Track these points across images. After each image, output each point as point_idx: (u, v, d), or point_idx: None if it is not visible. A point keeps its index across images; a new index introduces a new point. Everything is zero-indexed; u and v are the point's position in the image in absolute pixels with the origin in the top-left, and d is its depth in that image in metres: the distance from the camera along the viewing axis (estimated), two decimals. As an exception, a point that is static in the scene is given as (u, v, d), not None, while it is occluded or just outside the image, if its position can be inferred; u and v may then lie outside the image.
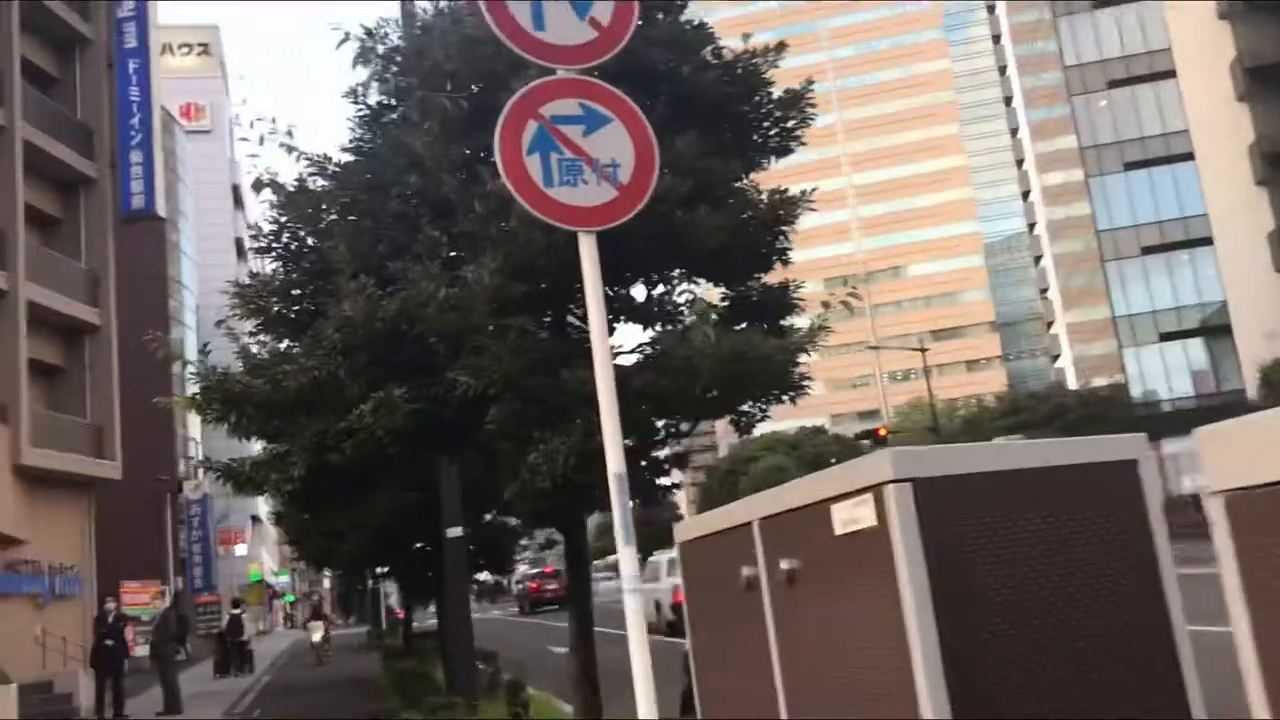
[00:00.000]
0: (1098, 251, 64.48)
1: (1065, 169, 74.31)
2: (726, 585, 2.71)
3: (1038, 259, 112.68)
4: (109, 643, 17.18)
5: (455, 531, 12.02)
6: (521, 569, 51.96)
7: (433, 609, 30.10)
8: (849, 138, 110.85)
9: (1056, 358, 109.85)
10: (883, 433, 56.00)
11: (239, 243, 79.22)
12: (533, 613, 42.85)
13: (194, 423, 60.15)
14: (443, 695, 12.50)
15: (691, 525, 3.19)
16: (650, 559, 27.63)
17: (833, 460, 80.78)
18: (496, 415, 5.38)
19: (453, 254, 5.94)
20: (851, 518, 2.07)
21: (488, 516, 13.94)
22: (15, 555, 20.76)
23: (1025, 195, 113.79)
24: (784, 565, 2.36)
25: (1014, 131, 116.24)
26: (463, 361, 5.36)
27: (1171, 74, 54.07)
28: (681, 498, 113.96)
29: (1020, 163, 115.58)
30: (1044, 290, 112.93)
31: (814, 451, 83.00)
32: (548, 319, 6.06)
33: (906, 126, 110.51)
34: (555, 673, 12.44)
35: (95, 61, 25.28)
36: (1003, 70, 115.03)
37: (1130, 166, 56.42)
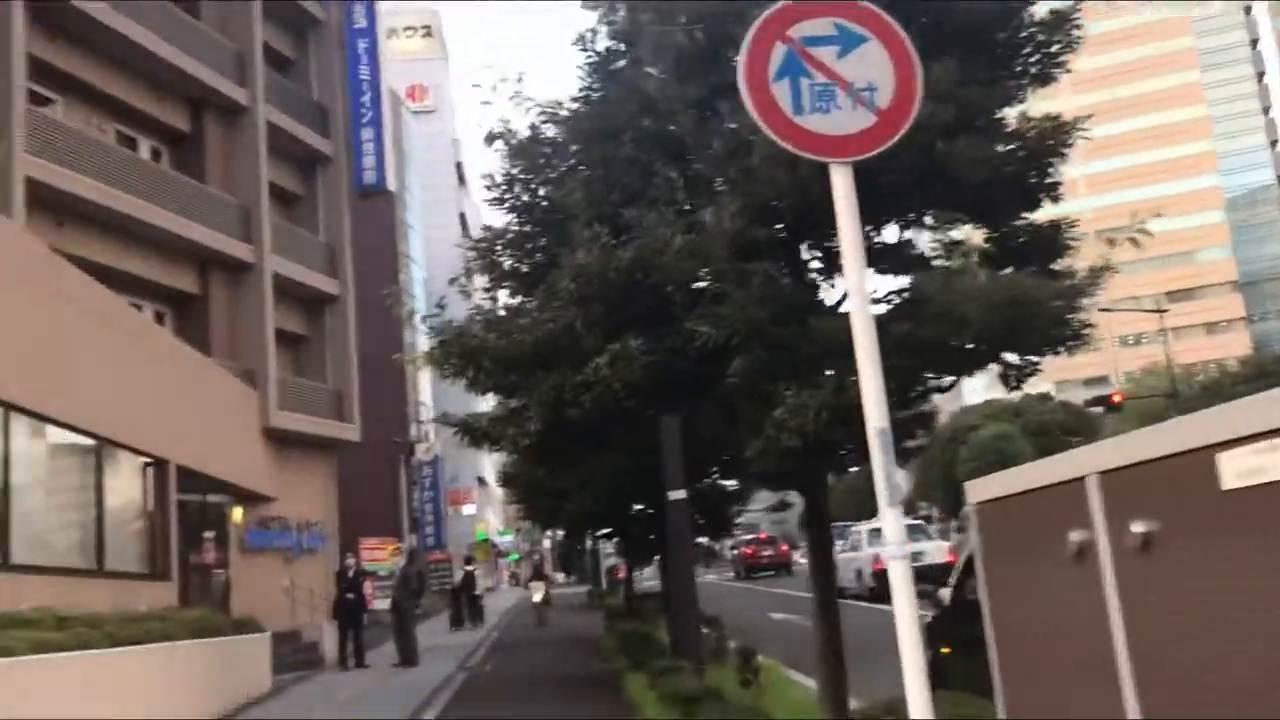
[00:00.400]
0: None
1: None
2: (1043, 552, 2.28)
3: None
4: (349, 596, 18.07)
5: (678, 494, 11.84)
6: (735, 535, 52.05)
7: (648, 571, 30.34)
8: (1078, 89, 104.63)
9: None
10: (1117, 399, 52.75)
11: (463, 218, 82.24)
12: (748, 578, 42.76)
13: (425, 388, 63.03)
14: (668, 658, 12.41)
15: (991, 483, 2.76)
16: (851, 528, 28.47)
17: (1056, 432, 76.94)
18: (739, 368, 5.06)
19: (689, 198, 5.64)
20: (1254, 467, 1.62)
21: (709, 479, 13.75)
22: (266, 512, 22.14)
23: (1274, 144, 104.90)
24: (1137, 529, 1.92)
25: (1260, 76, 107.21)
26: (702, 310, 5.06)
27: None
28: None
29: (1267, 110, 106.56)
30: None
31: (1038, 419, 79.45)
32: (788, 265, 5.68)
33: (1140, 76, 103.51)
34: (781, 640, 12.15)
35: (327, 43, 26.50)
36: (1248, 10, 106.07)
37: None
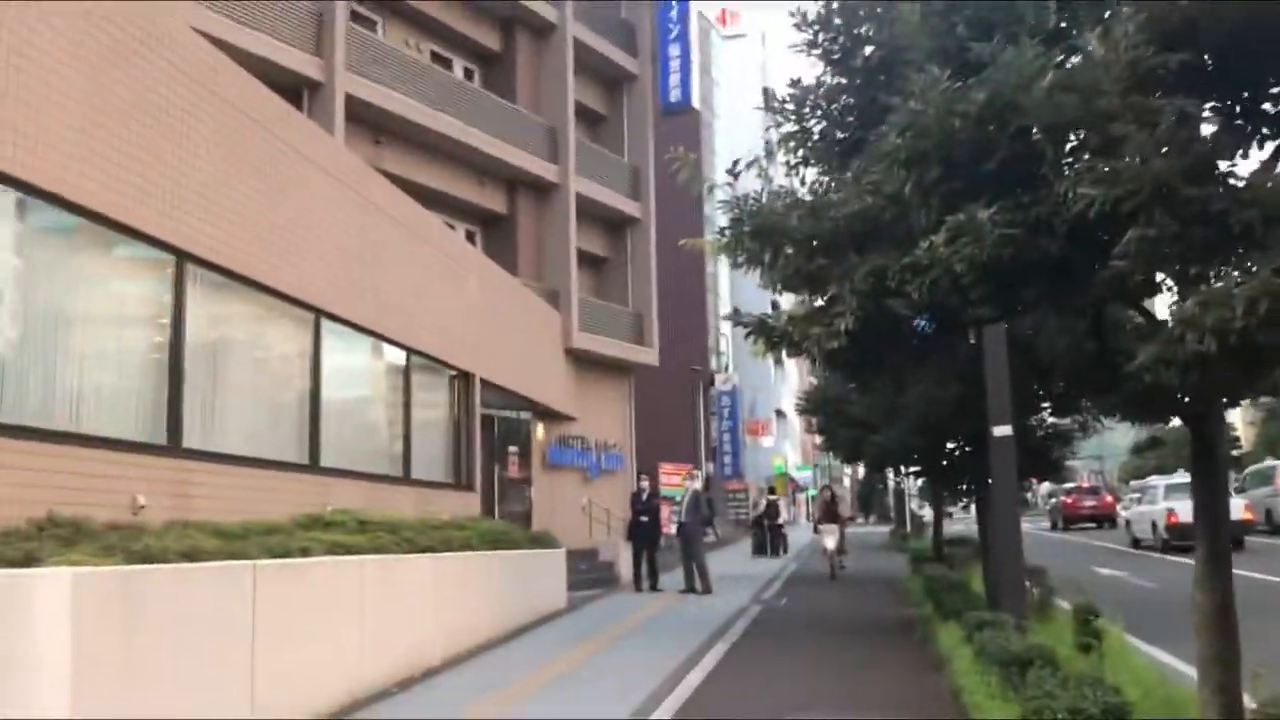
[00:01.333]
0: None
1: None
2: None
3: None
4: (643, 519, 17.80)
5: (1003, 430, 10.42)
6: (1047, 485, 48.47)
7: (956, 515, 28.74)
8: None
9: None
10: None
11: (767, 145, 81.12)
12: (1065, 529, 39.89)
13: (725, 326, 62.97)
14: (984, 609, 11.11)
15: None
16: (1149, 482, 30.63)
17: None
18: (1136, 241, 3.77)
19: (1064, 23, 4.36)
20: None
21: (1039, 415, 12.15)
22: (566, 431, 22.35)
23: None
24: None
25: None
26: (1085, 162, 3.82)
27: None
28: (1238, 417, 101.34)
29: None
30: None
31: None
32: (1212, 104, 4.24)
33: None
34: (1112, 599, 10.51)
35: (635, -41, 26.01)
36: None
37: None
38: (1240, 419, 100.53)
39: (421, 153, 19.34)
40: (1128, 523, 30.09)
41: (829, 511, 21.73)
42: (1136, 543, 27.76)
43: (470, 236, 21.36)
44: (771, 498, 33.63)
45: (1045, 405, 11.65)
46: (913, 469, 14.24)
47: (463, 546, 11.89)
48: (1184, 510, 22.81)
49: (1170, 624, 11.35)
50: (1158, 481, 28.69)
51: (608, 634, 12.51)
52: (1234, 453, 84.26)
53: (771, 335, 6.21)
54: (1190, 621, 5.87)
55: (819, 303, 5.87)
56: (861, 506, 69.32)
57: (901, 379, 11.42)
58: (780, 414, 73.20)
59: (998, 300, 4.87)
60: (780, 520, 32.14)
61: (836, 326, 5.10)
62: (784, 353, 6.44)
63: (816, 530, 22.35)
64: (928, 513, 47.86)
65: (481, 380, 16.80)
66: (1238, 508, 23.65)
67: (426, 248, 15.33)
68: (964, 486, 13.04)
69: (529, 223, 22.05)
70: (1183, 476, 24.77)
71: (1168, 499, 25.42)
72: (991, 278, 4.31)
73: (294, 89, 16.27)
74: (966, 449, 11.91)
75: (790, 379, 70.29)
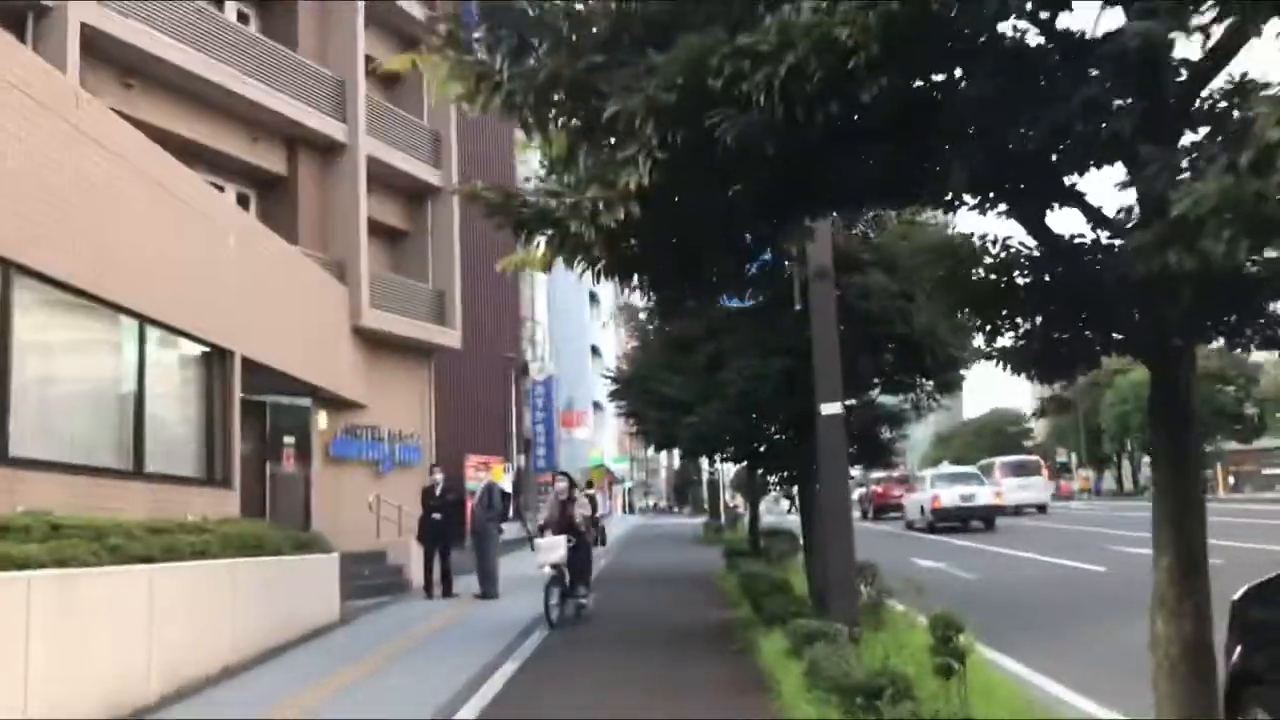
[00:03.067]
0: None
1: None
2: None
3: None
4: (435, 516, 15.91)
5: (832, 408, 9.11)
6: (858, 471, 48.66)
7: (764, 506, 27.94)
8: None
9: None
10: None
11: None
12: (875, 519, 40.07)
13: (541, 304, 61.18)
14: (810, 613, 9.78)
15: None
16: (916, 473, 35.61)
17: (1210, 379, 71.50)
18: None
19: None
20: None
21: (867, 394, 10.92)
22: (355, 420, 20.15)
23: None
24: None
25: None
26: None
27: None
28: (1029, 407, 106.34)
29: None
30: None
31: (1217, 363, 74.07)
32: None
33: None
34: (944, 597, 9.33)
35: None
36: None
37: None
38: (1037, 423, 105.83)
39: (183, 102, 16.79)
40: (903, 509, 34.76)
41: (563, 515, 13.37)
42: (910, 525, 32.34)
43: (243, 200, 18.89)
44: (590, 491, 33.64)
45: (876, 382, 10.41)
46: (728, 454, 12.80)
47: (197, 554, 9.78)
48: (946, 496, 29.49)
49: (1007, 624, 10.35)
50: (924, 472, 34.61)
51: (379, 653, 10.60)
52: (1026, 442, 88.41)
53: (521, 212, 4.31)
54: (1020, 621, 4.52)
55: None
56: (677, 498, 68.71)
57: (720, 351, 9.97)
58: (598, 406, 71.99)
59: (909, 68, 3.14)
60: (600, 513, 32.23)
61: (624, 182, 3.28)
62: (548, 250, 4.60)
63: (532, 545, 13.58)
64: (741, 504, 47.40)
65: (245, 360, 14.53)
66: (987, 493, 30.07)
67: (172, 200, 13.00)
68: (784, 474, 11.69)
69: (312, 187, 19.71)
70: (949, 468, 28.73)
71: (933, 487, 30.70)
72: (890, 51, 2.66)
73: (17, 13, 13.63)
74: (789, 431, 10.54)
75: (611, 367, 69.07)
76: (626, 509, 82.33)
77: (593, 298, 74.71)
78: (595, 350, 66.93)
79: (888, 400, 11.35)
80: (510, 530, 35.01)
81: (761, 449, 11.50)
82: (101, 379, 11.71)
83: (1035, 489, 38.88)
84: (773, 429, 10.63)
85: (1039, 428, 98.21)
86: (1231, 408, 72.89)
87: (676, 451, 32.36)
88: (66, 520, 8.60)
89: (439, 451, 23.00)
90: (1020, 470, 39.66)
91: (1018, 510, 34.42)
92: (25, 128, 9.89)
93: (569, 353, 56.53)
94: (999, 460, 40.06)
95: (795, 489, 11.63)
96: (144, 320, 11.94)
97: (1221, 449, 71.77)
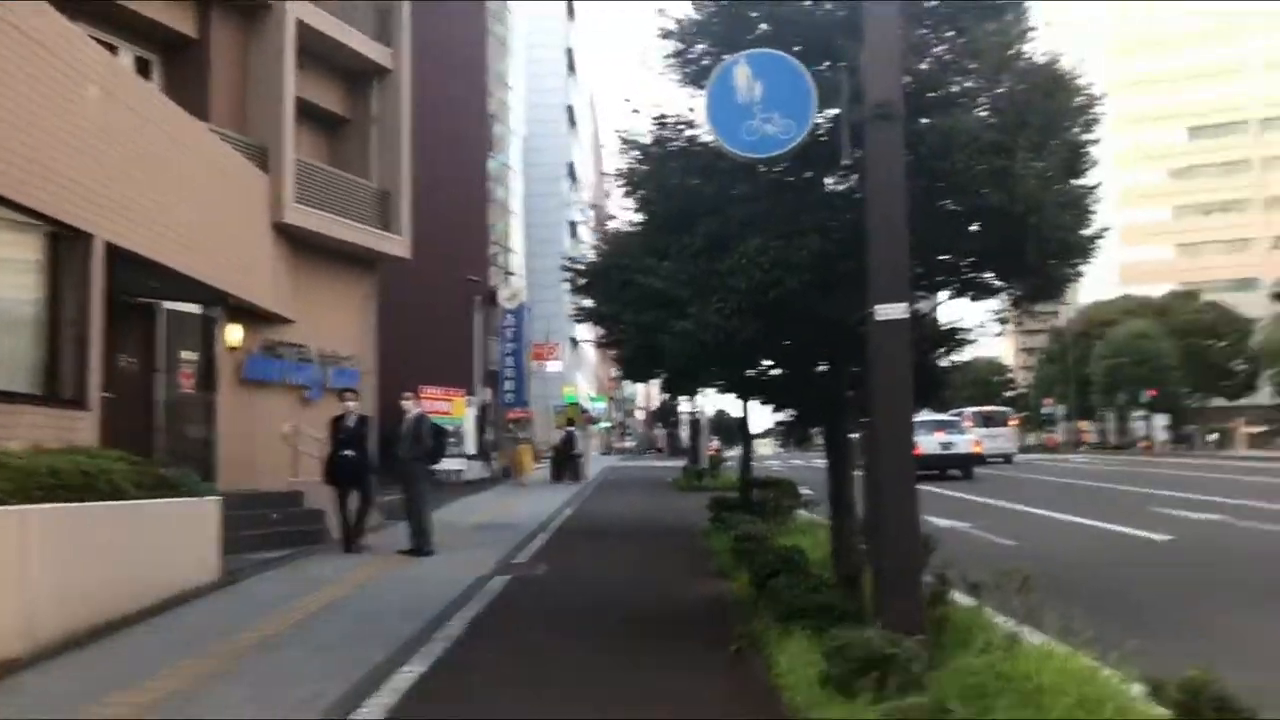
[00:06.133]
0: None
1: None
2: None
3: None
4: (347, 454, 12.90)
5: (894, 310, 6.09)
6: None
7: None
8: None
9: None
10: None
11: (570, 54, 75.68)
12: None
13: (516, 231, 57.82)
14: (840, 602, 6.90)
15: None
16: None
17: (1200, 334, 69.12)
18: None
19: None
20: None
21: (934, 300, 7.85)
22: (277, 336, 17.00)
23: None
24: None
25: None
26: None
27: None
28: (1013, 360, 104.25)
29: None
30: None
31: (1185, 319, 71.85)
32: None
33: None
34: (988, 569, 6.33)
35: None
36: None
37: None
38: (1015, 361, 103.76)
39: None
40: None
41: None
42: None
43: (143, 67, 15.55)
44: (569, 428, 36.28)
45: (946, 280, 7.35)
46: (727, 380, 9.72)
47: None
48: (926, 443, 26.29)
49: (1121, 620, 7.38)
50: None
51: (238, 640, 7.60)
52: (1008, 393, 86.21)
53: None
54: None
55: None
56: (669, 442, 64.92)
57: (728, 228, 6.94)
58: (575, 342, 68.80)
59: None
60: (577, 450, 34.63)
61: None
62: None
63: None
64: (720, 447, 44.57)
65: (118, 250, 11.37)
66: (967, 442, 29.53)
67: (33, 53, 9.78)
68: (804, 410, 8.61)
69: (229, 54, 16.35)
70: (928, 415, 26.01)
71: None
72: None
73: None
74: (823, 344, 7.50)
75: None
76: (605, 450, 79.67)
77: (573, 228, 71.33)
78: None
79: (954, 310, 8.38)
80: (473, 470, 32.36)
81: (777, 372, 8.41)
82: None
83: (1002, 440, 40.50)
84: (797, 342, 7.55)
85: (1021, 378, 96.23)
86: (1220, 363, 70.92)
87: (655, 386, 29.56)
88: None
89: (392, 380, 19.94)
90: (988, 421, 40.57)
91: (984, 460, 33.85)
92: None
93: (547, 284, 53.13)
94: (968, 410, 39.80)
95: (822, 430, 8.53)
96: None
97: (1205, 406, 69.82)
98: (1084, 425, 72.59)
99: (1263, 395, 70.03)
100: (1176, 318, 73.47)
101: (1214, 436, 61.77)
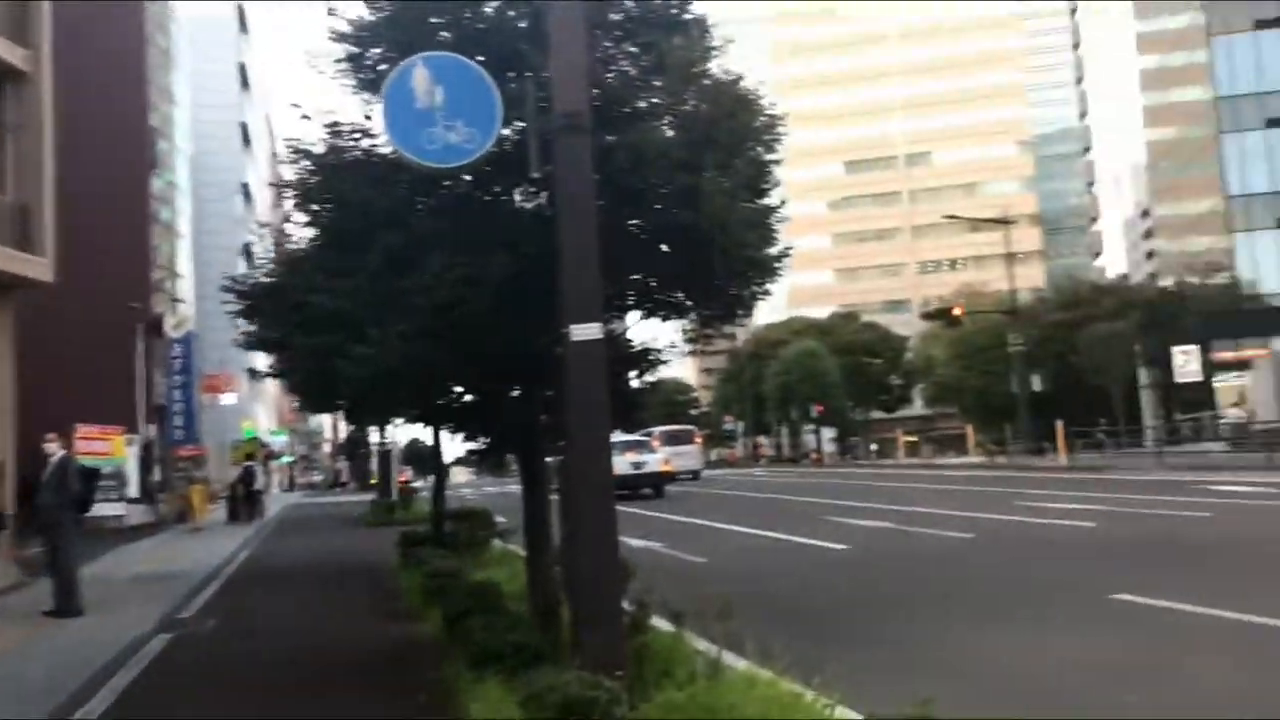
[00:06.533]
0: (1193, 137, 57.07)
1: (1160, 50, 66.29)
2: None
3: (1086, 150, 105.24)
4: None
5: (589, 331, 5.83)
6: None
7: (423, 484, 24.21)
8: (896, 10, 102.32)
9: (1098, 255, 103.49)
10: (958, 313, 49.89)
11: (243, 69, 71.79)
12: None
13: (183, 253, 53.82)
14: (539, 642, 6.54)
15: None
16: None
17: (860, 352, 75.20)
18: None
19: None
20: None
21: (622, 321, 7.67)
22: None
23: (1079, 81, 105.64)
24: None
25: (1073, 11, 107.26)
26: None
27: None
28: (695, 379, 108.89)
29: (1077, 46, 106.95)
30: (1090, 184, 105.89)
31: (847, 339, 77.72)
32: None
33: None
34: (692, 592, 6.27)
35: None
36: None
37: (1262, 25, 48.79)
38: (696, 382, 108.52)
39: None
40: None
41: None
42: None
43: None
44: (249, 464, 34.80)
45: (634, 300, 7.19)
46: (412, 411, 9.18)
47: None
48: (619, 463, 24.31)
49: (821, 634, 7.45)
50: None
51: None
52: (692, 411, 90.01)
53: None
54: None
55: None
56: (353, 472, 62.22)
57: (410, 244, 6.45)
58: (253, 373, 65.00)
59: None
60: (257, 486, 33.00)
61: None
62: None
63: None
64: (412, 477, 43.36)
65: None
66: (658, 461, 30.30)
67: None
68: (497, 437, 8.20)
69: None
70: (620, 435, 26.21)
71: None
72: None
73: None
74: (515, 368, 7.13)
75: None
76: (288, 486, 75.68)
77: (248, 251, 67.49)
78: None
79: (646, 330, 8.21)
80: (136, 514, 29.53)
81: (466, 398, 7.95)
82: None
83: (689, 457, 41.44)
84: (487, 365, 7.14)
85: (703, 397, 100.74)
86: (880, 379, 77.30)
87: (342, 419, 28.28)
88: None
89: (32, 421, 17.68)
90: (675, 440, 41.18)
91: (674, 477, 34.76)
92: None
93: (220, 312, 49.80)
94: (657, 430, 40.41)
95: (515, 457, 8.16)
96: None
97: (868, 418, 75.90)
98: (761, 440, 76.64)
99: (916, 407, 76.64)
100: (839, 337, 79.06)
101: (875, 447, 66.84)
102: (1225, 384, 44.68)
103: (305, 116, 7.07)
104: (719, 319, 7.31)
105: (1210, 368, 41.18)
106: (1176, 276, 55.83)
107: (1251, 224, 48.71)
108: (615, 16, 6.82)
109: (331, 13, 6.94)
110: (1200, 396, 43.82)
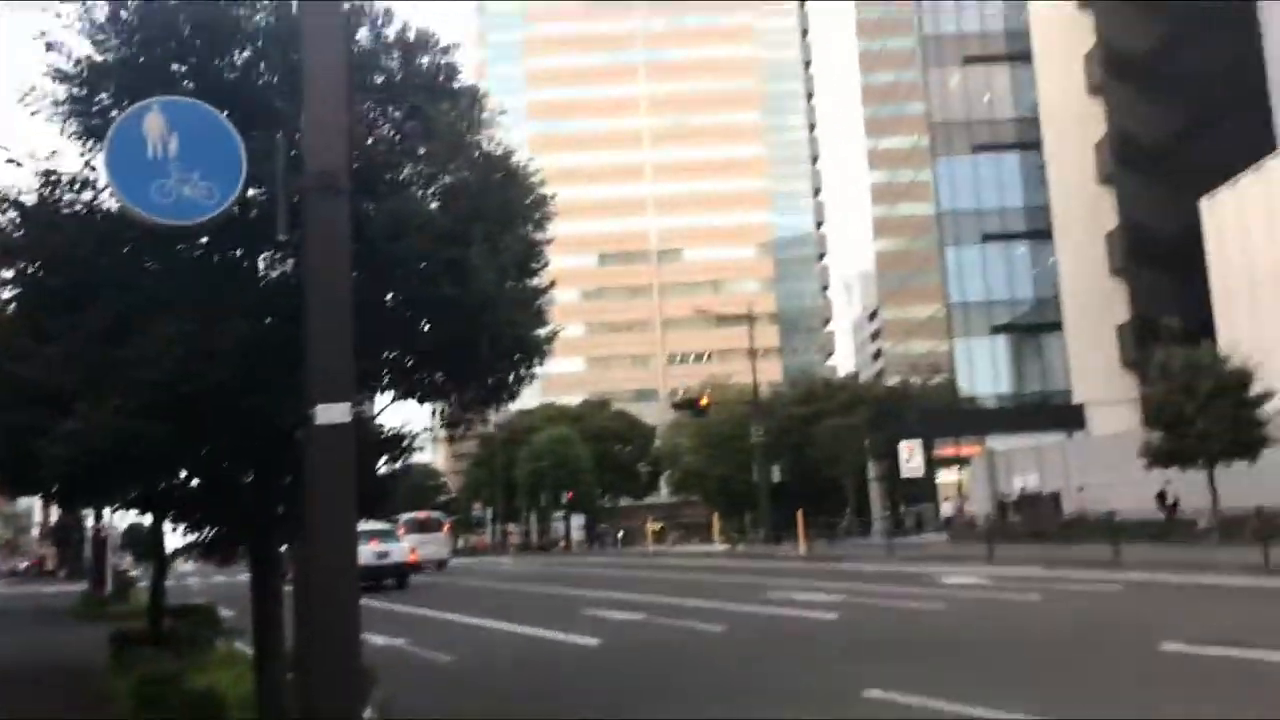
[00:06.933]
0: (917, 248, 62.17)
1: (889, 167, 72.12)
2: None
3: (821, 255, 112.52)
4: None
5: (337, 413, 5.30)
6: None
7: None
8: (652, 111, 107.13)
9: (830, 354, 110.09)
10: (705, 403, 51.37)
11: None
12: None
13: None
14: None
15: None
16: None
17: (610, 439, 76.13)
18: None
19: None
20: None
21: (370, 404, 7.11)
22: None
23: (817, 192, 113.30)
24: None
25: (812, 127, 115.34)
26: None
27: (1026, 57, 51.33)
28: (445, 465, 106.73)
29: (815, 159, 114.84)
30: (825, 287, 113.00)
31: (598, 425, 78.51)
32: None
33: (710, 109, 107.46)
34: (430, 694, 5.80)
35: None
36: (807, 65, 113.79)
37: (979, 149, 53.81)
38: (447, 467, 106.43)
39: None
40: None
41: None
42: None
43: None
44: None
45: (397, 380, 6.69)
46: (129, 496, 8.21)
47: None
48: (363, 553, 27.94)
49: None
50: None
51: None
52: (441, 497, 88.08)
53: None
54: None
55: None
56: (61, 559, 56.63)
57: (133, 307, 5.74)
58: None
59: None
60: None
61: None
62: None
63: None
64: (131, 566, 39.94)
65: None
66: (403, 550, 29.48)
67: None
68: (226, 528, 7.38)
69: None
70: (363, 525, 25.43)
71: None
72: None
73: None
74: (246, 451, 6.44)
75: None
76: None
77: None
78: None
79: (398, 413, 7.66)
80: None
81: (193, 483, 7.13)
82: None
83: (436, 545, 40.87)
84: (219, 446, 6.42)
85: (453, 482, 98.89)
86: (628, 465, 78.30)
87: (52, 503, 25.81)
88: None
89: None
90: (422, 527, 40.95)
91: (420, 568, 33.70)
92: None
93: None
94: (403, 517, 39.28)
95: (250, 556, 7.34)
96: None
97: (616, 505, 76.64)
98: (510, 528, 75.70)
99: (663, 494, 77.94)
100: (590, 424, 79.66)
101: (621, 534, 67.26)
102: (946, 480, 47.97)
103: (13, 161, 6.24)
104: (480, 402, 6.90)
105: (933, 463, 44.03)
106: (901, 376, 59.83)
107: (969, 330, 52.89)
108: (378, 79, 6.45)
109: (51, 48, 6.20)
110: (923, 490, 46.78)
